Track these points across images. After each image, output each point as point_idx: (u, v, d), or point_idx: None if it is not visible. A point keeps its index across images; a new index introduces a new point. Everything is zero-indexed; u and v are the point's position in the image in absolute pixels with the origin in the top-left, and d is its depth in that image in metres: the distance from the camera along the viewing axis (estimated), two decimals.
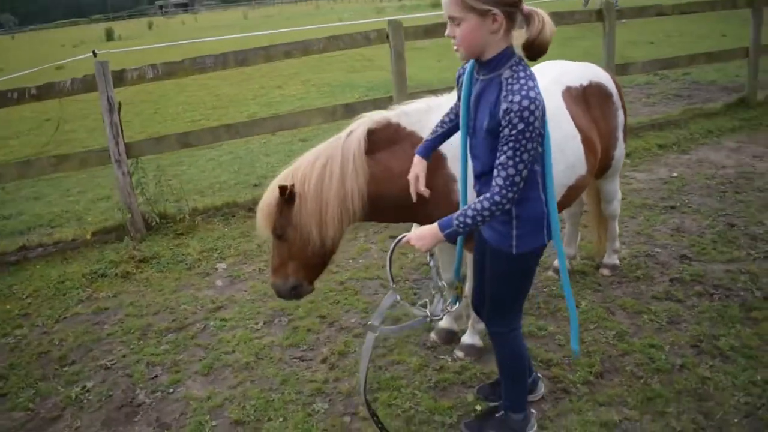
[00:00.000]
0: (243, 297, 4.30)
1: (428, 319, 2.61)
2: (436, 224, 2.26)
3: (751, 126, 7.47)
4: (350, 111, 5.70)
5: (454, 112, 2.62)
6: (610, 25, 6.69)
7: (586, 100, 3.45)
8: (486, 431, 2.75)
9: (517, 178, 2.12)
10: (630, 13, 7.05)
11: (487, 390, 3.02)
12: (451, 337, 3.56)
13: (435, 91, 3.29)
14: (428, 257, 2.55)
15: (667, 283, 4.02)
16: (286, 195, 2.75)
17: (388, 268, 2.54)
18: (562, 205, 3.35)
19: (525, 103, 2.05)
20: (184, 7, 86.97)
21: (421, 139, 2.88)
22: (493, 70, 2.19)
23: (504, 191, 2.13)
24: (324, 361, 3.49)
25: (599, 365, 3.22)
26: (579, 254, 4.42)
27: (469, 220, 2.19)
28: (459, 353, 3.41)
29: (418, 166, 2.63)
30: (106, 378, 3.51)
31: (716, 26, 17.44)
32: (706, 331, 3.45)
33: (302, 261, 2.86)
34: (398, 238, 2.43)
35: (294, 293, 2.94)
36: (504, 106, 2.09)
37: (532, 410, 2.84)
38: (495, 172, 2.15)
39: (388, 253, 2.54)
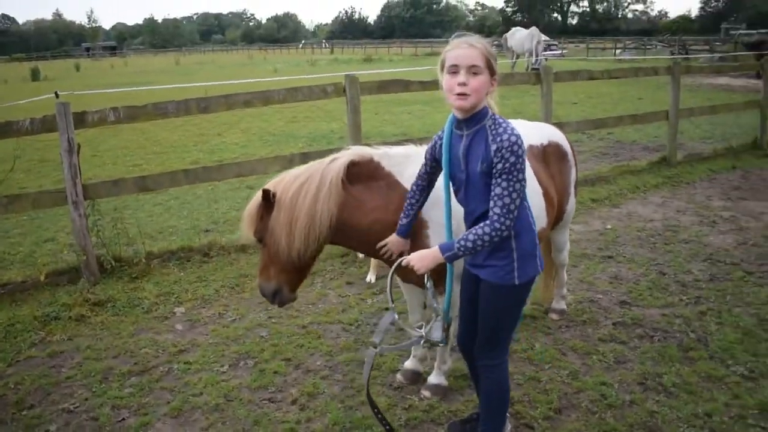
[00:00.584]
0: (205, 341, 4.32)
1: (422, 341, 2.81)
2: (437, 247, 2.54)
3: (672, 183, 8.17)
4: (306, 159, 5.84)
5: (417, 192, 2.95)
6: (548, 86, 7.25)
7: (546, 158, 3.80)
8: None
9: (512, 206, 2.43)
10: (565, 76, 7.66)
11: (458, 427, 3.19)
12: (417, 378, 3.72)
13: (387, 143, 3.56)
14: (425, 280, 2.76)
15: (610, 326, 4.35)
16: (270, 199, 2.96)
17: (388, 288, 2.81)
18: None
19: (513, 139, 2.42)
20: (112, 51, 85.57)
21: (397, 182, 3.13)
22: (478, 123, 2.54)
23: (503, 219, 2.43)
24: (294, 402, 3.56)
25: (557, 402, 3.46)
26: (529, 300, 4.70)
27: (469, 245, 2.46)
28: (426, 393, 3.56)
29: (403, 246, 3.00)
30: (69, 421, 3.45)
31: (633, 90, 18.93)
32: (649, 370, 3.76)
33: (279, 267, 3.04)
34: (399, 260, 2.69)
35: (276, 298, 3.09)
36: (494, 146, 2.44)
37: None
38: (491, 203, 2.44)
39: (389, 275, 2.79)
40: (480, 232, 2.45)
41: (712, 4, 74.47)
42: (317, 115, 15.58)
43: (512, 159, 2.40)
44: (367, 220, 3.07)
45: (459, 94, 2.48)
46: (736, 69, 12.21)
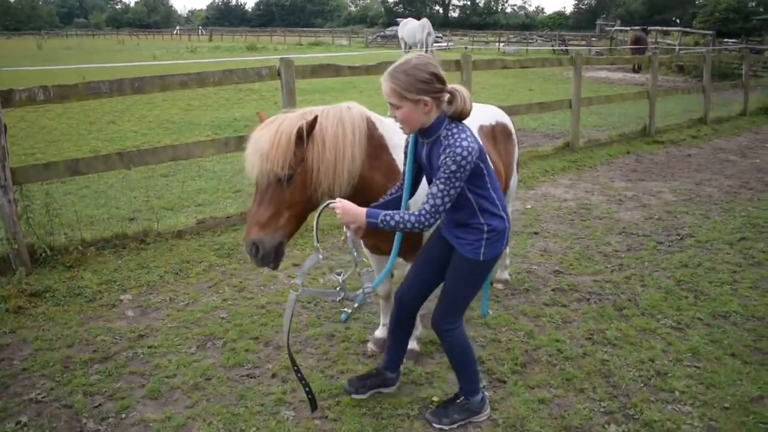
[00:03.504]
0: (163, 325, 4.34)
1: (338, 289, 3.04)
2: (364, 210, 2.77)
3: (577, 166, 8.98)
4: (243, 143, 5.96)
5: (397, 187, 3.10)
6: (467, 74, 7.74)
7: (494, 137, 4.20)
8: (451, 416, 3.22)
9: (442, 208, 2.74)
10: (482, 64, 8.20)
11: (357, 383, 3.46)
12: None
13: None
14: (345, 228, 2.92)
15: (550, 292, 4.85)
16: (312, 128, 2.83)
17: (315, 230, 2.86)
18: None
19: (458, 150, 2.68)
20: None
21: (386, 146, 3.24)
22: (433, 134, 2.82)
23: (428, 215, 2.73)
24: (274, 376, 3.72)
25: (521, 357, 3.87)
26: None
27: (392, 223, 2.76)
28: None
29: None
30: (40, 411, 3.39)
31: (521, 82, 20.18)
32: (593, 327, 4.27)
33: (297, 211, 2.93)
34: (328, 203, 2.87)
35: (276, 253, 2.92)
36: (443, 155, 2.72)
37: (486, 393, 3.37)
38: (425, 198, 2.74)
39: (316, 216, 2.91)
40: (406, 217, 2.73)
41: (585, 2, 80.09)
42: (213, 103, 15.30)
43: (453, 167, 2.66)
44: (367, 174, 3.12)
45: (398, 123, 2.78)
46: (629, 62, 13.43)
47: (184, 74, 5.60)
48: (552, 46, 36.17)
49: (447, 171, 2.66)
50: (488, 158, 2.99)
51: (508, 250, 5.03)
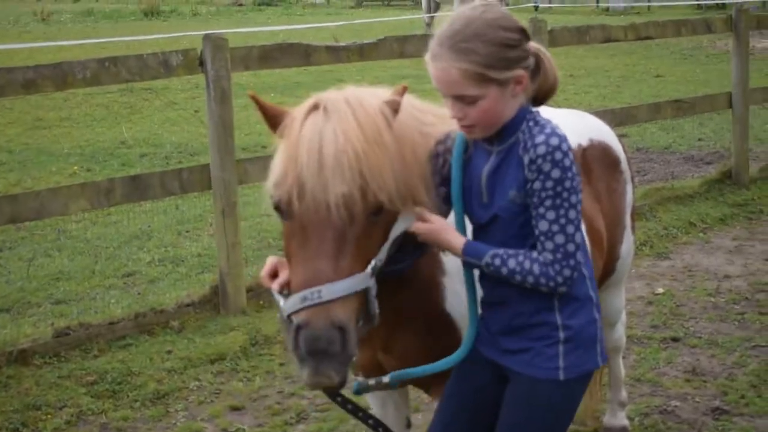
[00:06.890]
0: None
1: None
2: (462, 240, 2.87)
3: (748, 214, 9.09)
4: (142, 189, 6.10)
5: None
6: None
7: (587, 169, 4.21)
8: None
9: (571, 247, 2.78)
10: (565, 35, 8.33)
11: None
12: None
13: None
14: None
15: None
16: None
17: None
18: None
19: (554, 141, 2.76)
20: None
21: None
22: (512, 135, 2.89)
23: (559, 266, 2.77)
24: None
25: None
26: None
27: (504, 271, 2.80)
28: None
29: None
30: None
31: (641, 62, 20.43)
32: None
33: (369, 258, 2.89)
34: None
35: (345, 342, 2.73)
36: (526, 158, 2.78)
37: None
38: (539, 245, 2.80)
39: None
40: (528, 266, 2.77)
41: None
42: (82, 116, 15.51)
43: (555, 173, 2.73)
44: None
45: (462, 126, 2.87)
46: None
47: (31, 67, 5.73)
48: None
49: (548, 181, 2.74)
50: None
51: (623, 372, 5.04)
